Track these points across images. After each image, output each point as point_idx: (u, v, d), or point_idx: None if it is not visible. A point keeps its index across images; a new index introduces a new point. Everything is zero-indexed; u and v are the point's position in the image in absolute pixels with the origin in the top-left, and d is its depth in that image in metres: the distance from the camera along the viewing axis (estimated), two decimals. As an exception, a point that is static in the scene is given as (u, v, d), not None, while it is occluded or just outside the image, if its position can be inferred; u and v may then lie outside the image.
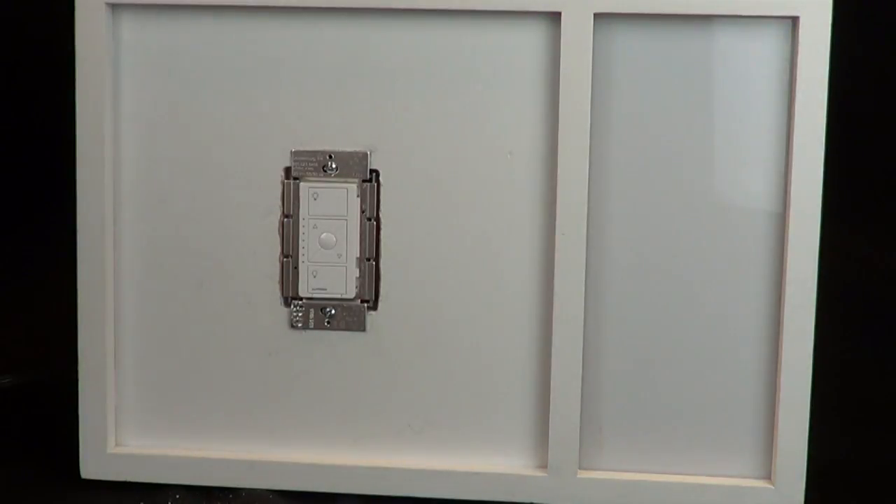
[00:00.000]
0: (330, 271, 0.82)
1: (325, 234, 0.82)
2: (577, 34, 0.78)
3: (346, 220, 0.82)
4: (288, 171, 0.82)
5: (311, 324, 0.83)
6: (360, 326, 0.82)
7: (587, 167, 0.79)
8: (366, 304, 0.82)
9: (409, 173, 0.81)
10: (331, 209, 0.82)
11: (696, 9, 0.77)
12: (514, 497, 0.81)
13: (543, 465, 0.82)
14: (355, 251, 0.82)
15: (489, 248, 0.81)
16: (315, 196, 0.81)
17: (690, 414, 0.81)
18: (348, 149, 0.81)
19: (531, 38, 0.79)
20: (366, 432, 0.83)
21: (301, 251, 0.82)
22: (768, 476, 0.81)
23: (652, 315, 0.81)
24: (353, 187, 0.81)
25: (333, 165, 0.81)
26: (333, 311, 0.82)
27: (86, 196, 0.81)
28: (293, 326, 0.83)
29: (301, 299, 0.82)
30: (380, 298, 0.82)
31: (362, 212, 0.82)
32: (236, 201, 0.82)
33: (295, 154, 0.82)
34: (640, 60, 0.79)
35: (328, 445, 0.83)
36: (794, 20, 0.77)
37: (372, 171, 0.81)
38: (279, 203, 0.82)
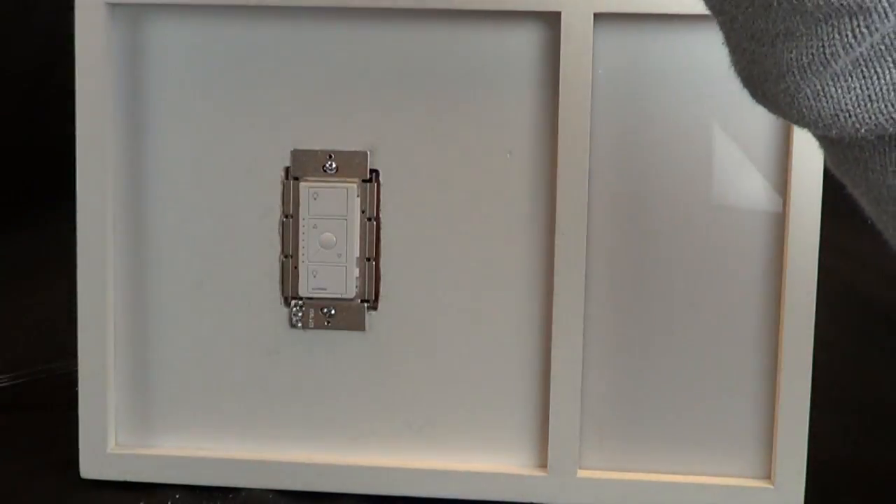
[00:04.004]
0: (330, 271, 0.82)
1: (325, 234, 0.82)
2: (577, 34, 0.78)
3: (347, 220, 0.82)
4: (288, 171, 0.82)
5: (311, 323, 0.83)
6: (360, 326, 0.82)
7: (587, 167, 0.79)
8: (366, 304, 0.82)
9: (409, 173, 0.81)
10: (331, 209, 0.82)
11: (697, 9, 0.77)
12: (514, 497, 0.81)
13: (543, 465, 0.82)
14: (355, 251, 0.82)
15: (489, 248, 0.81)
16: (315, 196, 0.81)
17: (690, 414, 0.81)
18: (348, 149, 0.81)
19: (531, 38, 0.79)
20: (366, 432, 0.83)
21: (301, 251, 0.82)
22: (768, 476, 0.81)
23: (651, 315, 0.81)
24: (353, 187, 0.81)
25: (333, 165, 0.81)
26: (333, 311, 0.82)
27: (86, 195, 0.81)
28: (293, 326, 0.83)
29: (301, 299, 0.82)
30: (380, 298, 0.82)
31: (362, 212, 0.82)
32: (236, 201, 0.82)
33: (295, 154, 0.82)
34: (640, 60, 0.79)
35: (328, 445, 0.83)
36: (795, 20, 0.77)
37: (372, 171, 0.81)
38: (279, 203, 0.82)
